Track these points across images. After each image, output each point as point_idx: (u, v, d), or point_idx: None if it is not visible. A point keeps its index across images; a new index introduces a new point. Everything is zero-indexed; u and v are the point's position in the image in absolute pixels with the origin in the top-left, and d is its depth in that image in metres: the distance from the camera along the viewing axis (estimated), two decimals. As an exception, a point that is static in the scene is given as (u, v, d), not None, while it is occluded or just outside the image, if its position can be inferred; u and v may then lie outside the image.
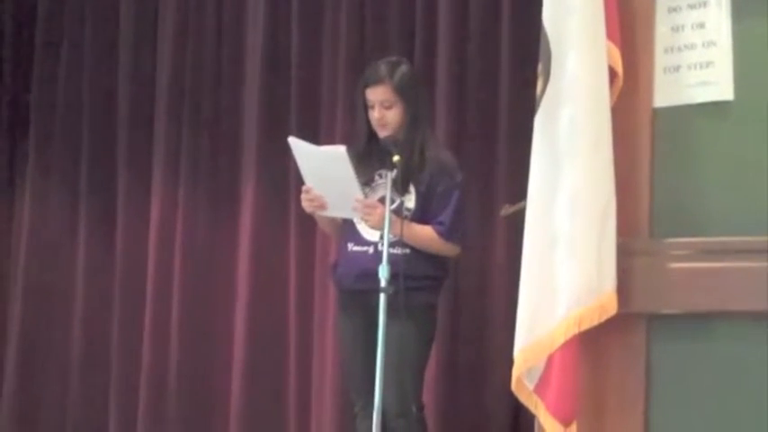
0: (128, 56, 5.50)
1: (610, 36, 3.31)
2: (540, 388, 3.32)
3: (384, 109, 3.97)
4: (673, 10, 3.37)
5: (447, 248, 3.96)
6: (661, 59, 3.37)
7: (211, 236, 5.27)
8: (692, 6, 3.33)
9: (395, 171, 3.78)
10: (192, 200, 5.31)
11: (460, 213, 3.95)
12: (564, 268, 3.27)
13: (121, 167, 5.47)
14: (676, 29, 3.36)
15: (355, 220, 3.97)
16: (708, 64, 3.31)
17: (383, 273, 3.63)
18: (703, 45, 3.32)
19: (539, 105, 3.35)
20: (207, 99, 5.33)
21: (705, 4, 3.31)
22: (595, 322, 3.24)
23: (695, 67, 3.33)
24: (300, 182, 4.00)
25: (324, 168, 3.87)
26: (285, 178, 4.93)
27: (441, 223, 3.92)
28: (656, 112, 3.37)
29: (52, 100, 5.69)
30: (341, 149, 3.80)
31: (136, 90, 5.47)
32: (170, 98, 5.37)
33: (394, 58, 4.11)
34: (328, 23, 5.05)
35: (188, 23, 5.39)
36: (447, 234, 3.92)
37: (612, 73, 3.32)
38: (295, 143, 3.91)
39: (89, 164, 5.56)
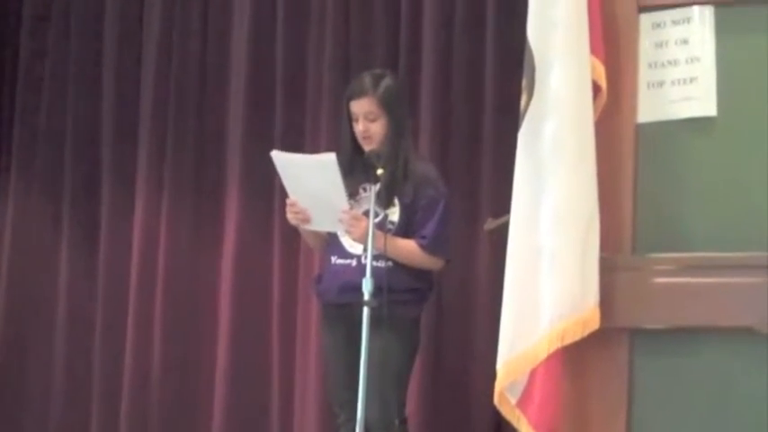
0: (112, 60, 5.49)
1: (594, 51, 3.31)
2: (523, 402, 3.32)
3: (368, 122, 3.96)
4: (656, 26, 3.38)
5: (430, 262, 3.95)
6: (645, 75, 3.38)
7: (195, 245, 5.26)
8: (675, 22, 3.34)
9: (379, 184, 3.77)
10: (176, 208, 5.29)
11: (444, 226, 3.94)
12: (547, 282, 3.27)
13: (105, 174, 5.45)
14: (660, 44, 3.37)
15: (339, 233, 3.97)
16: (691, 80, 3.32)
17: (367, 286, 3.61)
18: (687, 61, 3.33)
19: (522, 120, 3.35)
20: (191, 104, 5.31)
21: (689, 20, 3.32)
22: (578, 337, 3.24)
23: (679, 83, 3.33)
24: (285, 191, 3.98)
25: (310, 178, 3.84)
26: (270, 186, 4.91)
27: (423, 237, 3.90)
28: (640, 128, 3.37)
29: (36, 106, 5.67)
30: (330, 156, 3.78)
31: (120, 95, 5.46)
32: (154, 103, 5.35)
33: (378, 71, 4.09)
34: (314, 27, 5.05)
35: (173, 26, 5.38)
36: (430, 248, 3.91)
37: (596, 88, 3.32)
38: (279, 156, 3.89)
39: (72, 170, 5.54)
